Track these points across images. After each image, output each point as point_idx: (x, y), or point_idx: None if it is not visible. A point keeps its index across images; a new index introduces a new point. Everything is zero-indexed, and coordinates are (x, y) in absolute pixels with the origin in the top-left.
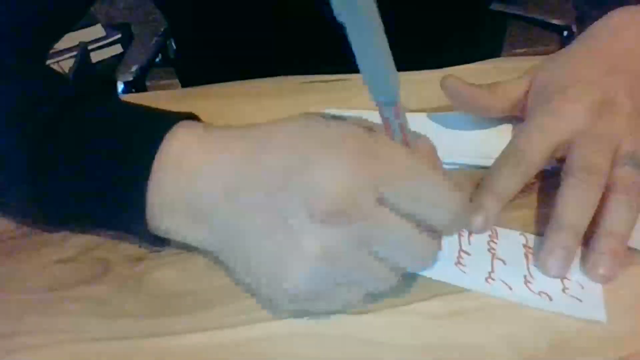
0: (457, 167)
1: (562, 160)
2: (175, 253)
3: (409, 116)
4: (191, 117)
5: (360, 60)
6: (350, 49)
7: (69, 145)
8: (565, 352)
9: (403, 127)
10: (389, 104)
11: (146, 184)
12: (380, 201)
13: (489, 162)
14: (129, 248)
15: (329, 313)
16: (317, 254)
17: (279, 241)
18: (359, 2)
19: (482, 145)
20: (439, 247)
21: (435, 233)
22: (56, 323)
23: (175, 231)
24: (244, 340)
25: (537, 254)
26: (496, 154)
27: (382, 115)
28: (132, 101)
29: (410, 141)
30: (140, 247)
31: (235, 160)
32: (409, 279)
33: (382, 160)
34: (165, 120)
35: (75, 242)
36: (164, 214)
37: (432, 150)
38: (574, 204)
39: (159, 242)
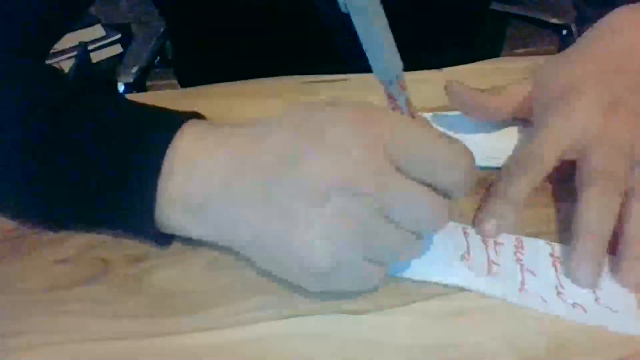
0: None
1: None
2: (175, 253)
3: None
4: (196, 115)
5: (365, 43)
6: (346, 48)
7: (69, 143)
8: (565, 352)
9: (408, 101)
10: (394, 79)
11: (156, 184)
12: (393, 162)
13: (489, 162)
14: (129, 248)
15: (356, 292)
16: (333, 213)
17: (287, 209)
18: None
19: (483, 145)
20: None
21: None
22: (56, 323)
23: (181, 227)
24: (244, 340)
25: (565, 264)
26: (497, 153)
27: (387, 92)
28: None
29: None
30: (144, 244)
31: (232, 157)
32: (409, 278)
33: (389, 122)
34: (172, 123)
35: (75, 242)
36: (169, 210)
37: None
38: (596, 213)
39: (165, 239)
